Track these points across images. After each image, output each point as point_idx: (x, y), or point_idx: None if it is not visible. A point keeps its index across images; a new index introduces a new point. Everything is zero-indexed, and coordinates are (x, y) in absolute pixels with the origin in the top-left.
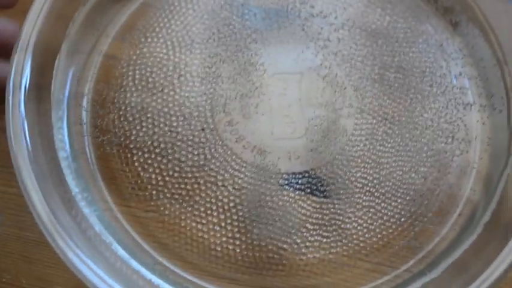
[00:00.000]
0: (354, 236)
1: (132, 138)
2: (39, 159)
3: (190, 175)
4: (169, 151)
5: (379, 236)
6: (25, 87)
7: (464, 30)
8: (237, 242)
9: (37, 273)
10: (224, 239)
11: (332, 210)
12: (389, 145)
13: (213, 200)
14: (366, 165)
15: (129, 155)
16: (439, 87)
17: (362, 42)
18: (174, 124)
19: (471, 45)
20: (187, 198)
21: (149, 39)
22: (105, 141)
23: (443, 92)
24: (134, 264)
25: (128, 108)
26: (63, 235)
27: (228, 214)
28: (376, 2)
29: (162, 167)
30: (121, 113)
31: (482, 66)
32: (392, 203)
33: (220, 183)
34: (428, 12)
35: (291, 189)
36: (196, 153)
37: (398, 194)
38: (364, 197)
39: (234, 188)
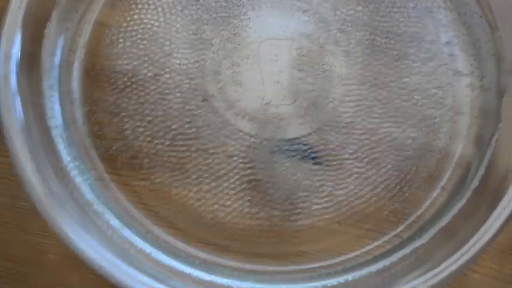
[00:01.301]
0: (345, 203)
1: (123, 106)
2: (30, 129)
3: (181, 143)
4: (161, 119)
5: (369, 202)
6: (16, 57)
7: None
8: (228, 210)
9: (30, 242)
10: (215, 206)
11: (323, 176)
12: (379, 111)
13: (205, 168)
14: (356, 132)
15: (120, 123)
16: (429, 52)
17: (353, 7)
18: (166, 92)
19: (462, 10)
20: (178, 166)
21: (139, 6)
22: (96, 110)
23: (431, 57)
24: (126, 232)
25: (119, 76)
26: (55, 204)
27: (219, 182)
28: None
29: (154, 135)
30: (112, 80)
31: (473, 32)
32: (382, 169)
33: (211, 151)
34: None
35: (282, 156)
36: (187, 120)
37: (388, 160)
38: (355, 163)
39: (225, 156)
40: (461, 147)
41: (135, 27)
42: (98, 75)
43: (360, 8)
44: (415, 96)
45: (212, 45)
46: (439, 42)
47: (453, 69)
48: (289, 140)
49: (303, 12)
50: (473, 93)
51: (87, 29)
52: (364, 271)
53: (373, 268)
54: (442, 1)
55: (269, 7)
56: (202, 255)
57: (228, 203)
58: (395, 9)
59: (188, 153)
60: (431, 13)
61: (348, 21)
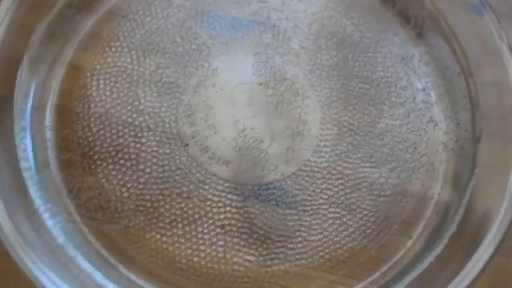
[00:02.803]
0: (319, 248)
1: (96, 149)
2: (1, 170)
3: (154, 186)
4: (134, 162)
5: (344, 248)
6: None
7: (429, 41)
8: (202, 255)
9: None
10: (189, 251)
11: (297, 221)
12: (354, 156)
13: (178, 212)
14: (332, 177)
15: (93, 166)
16: (402, 97)
17: (327, 52)
18: (139, 135)
19: (436, 56)
20: (151, 210)
21: (113, 49)
22: (69, 152)
23: (403, 103)
24: (98, 277)
25: (92, 119)
26: (25, 247)
27: (193, 226)
28: (342, 11)
29: (127, 178)
30: (85, 123)
31: (447, 77)
32: (358, 215)
33: (185, 195)
34: (394, 23)
35: (256, 200)
36: (161, 164)
37: (364, 206)
38: (330, 209)
39: (199, 200)
40: (437, 193)
41: (109, 70)
42: (70, 118)
43: (335, 53)
44: (390, 142)
45: (186, 89)
46: (413, 88)
47: (427, 117)
48: (264, 184)
49: (278, 56)
50: (449, 127)
51: (60, 72)
52: None
53: None
54: (414, 46)
55: (243, 51)
56: None
57: (202, 247)
58: (370, 55)
59: (161, 197)
60: (406, 58)
61: (322, 66)
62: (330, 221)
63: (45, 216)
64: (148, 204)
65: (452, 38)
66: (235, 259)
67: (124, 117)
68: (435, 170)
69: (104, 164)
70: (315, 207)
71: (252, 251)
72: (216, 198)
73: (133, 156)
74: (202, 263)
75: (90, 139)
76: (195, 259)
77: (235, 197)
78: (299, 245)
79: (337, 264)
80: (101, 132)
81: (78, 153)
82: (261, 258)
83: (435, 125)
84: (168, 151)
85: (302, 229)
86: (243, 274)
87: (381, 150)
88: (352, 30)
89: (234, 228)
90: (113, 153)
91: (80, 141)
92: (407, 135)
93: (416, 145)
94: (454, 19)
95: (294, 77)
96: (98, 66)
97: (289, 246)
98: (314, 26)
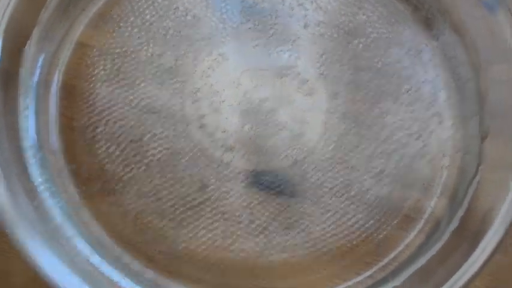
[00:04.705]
0: (319, 240)
1: (100, 129)
2: (3, 147)
3: (157, 170)
4: (137, 144)
5: (344, 240)
6: None
7: (442, 35)
8: (202, 240)
9: None
10: (190, 235)
11: (298, 212)
12: (359, 148)
13: (179, 196)
14: (336, 167)
15: (95, 146)
16: (412, 92)
17: (338, 41)
18: (144, 117)
19: (447, 50)
20: (153, 192)
21: (123, 29)
22: (72, 131)
23: (408, 90)
24: (96, 259)
25: (97, 98)
26: (24, 225)
27: (194, 211)
28: (354, 1)
29: (129, 160)
30: (90, 103)
31: (457, 71)
32: (359, 207)
33: (187, 180)
34: (406, 16)
35: (259, 188)
36: (164, 147)
37: (366, 199)
38: (332, 200)
39: (200, 185)
40: (440, 188)
41: (117, 50)
42: (75, 97)
43: (345, 43)
44: (394, 130)
45: (193, 71)
46: (419, 77)
47: (433, 110)
48: (267, 172)
49: (287, 44)
50: (456, 123)
51: (68, 49)
52: None
53: None
54: (426, 39)
55: (252, 39)
56: (173, 286)
57: (203, 232)
58: (380, 46)
59: (164, 180)
60: (417, 52)
61: (332, 56)
62: (331, 213)
63: (45, 195)
64: (150, 187)
65: (465, 33)
66: (233, 246)
67: (131, 97)
68: (440, 164)
69: (108, 145)
70: (317, 197)
71: (250, 239)
72: (218, 183)
73: (136, 138)
74: (201, 248)
75: (94, 119)
76: (194, 244)
77: (237, 184)
78: (298, 236)
79: (336, 256)
80: (106, 112)
81: (81, 133)
82: (259, 247)
83: (441, 122)
84: (172, 133)
85: (302, 220)
86: (241, 262)
87: (387, 143)
88: (364, 21)
89: (234, 215)
90: (116, 135)
91: (84, 120)
92: (410, 123)
93: (421, 133)
94: (467, 14)
95: (302, 65)
96: (106, 46)
97: (288, 236)
98: (325, 15)
